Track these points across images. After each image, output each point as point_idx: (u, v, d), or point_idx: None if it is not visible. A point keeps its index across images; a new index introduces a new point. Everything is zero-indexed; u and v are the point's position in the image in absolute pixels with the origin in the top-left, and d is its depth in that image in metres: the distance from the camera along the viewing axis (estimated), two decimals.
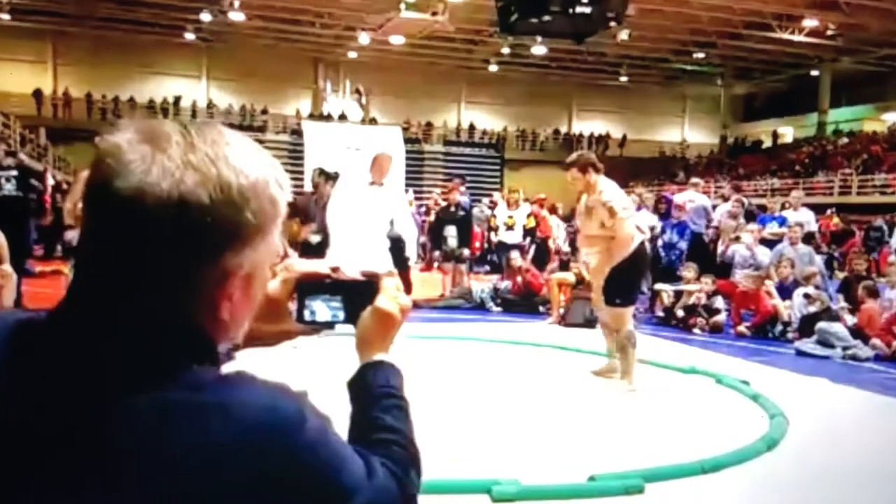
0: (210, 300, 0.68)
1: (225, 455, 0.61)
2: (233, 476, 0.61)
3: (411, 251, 6.13)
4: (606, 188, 4.78)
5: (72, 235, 6.65)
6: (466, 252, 9.82)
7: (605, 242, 4.75)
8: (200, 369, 0.66)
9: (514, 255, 9.14)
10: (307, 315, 0.90)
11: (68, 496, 0.61)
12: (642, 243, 4.92)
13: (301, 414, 0.66)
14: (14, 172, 7.44)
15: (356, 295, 0.91)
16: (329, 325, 0.91)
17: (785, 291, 7.87)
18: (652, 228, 9.10)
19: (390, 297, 0.91)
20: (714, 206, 10.52)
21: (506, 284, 8.97)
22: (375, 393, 0.85)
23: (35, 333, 0.67)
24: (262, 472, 0.62)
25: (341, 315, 0.91)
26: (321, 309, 0.90)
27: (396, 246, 5.68)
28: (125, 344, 0.64)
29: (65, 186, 14.00)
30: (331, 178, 7.16)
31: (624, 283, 4.77)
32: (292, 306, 0.92)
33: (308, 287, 0.91)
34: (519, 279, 8.81)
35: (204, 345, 0.69)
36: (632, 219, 4.92)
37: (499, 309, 8.76)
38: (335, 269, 0.93)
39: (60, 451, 0.61)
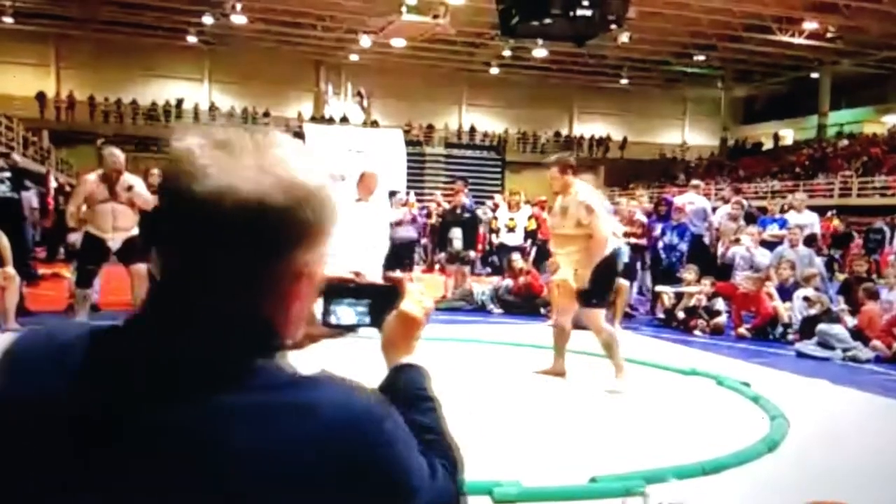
0: (282, 299, 0.71)
1: (308, 453, 0.63)
2: (316, 472, 0.64)
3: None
4: (582, 189, 4.85)
5: (75, 238, 6.64)
6: (472, 254, 9.86)
7: (580, 242, 4.79)
8: (277, 368, 0.68)
9: (516, 256, 9.16)
10: (332, 319, 0.92)
11: (156, 495, 0.63)
12: (617, 248, 5.06)
13: (378, 411, 0.68)
14: (7, 174, 7.33)
15: (381, 299, 0.93)
16: (353, 329, 0.93)
17: (785, 293, 7.88)
18: (644, 232, 9.14)
19: (415, 300, 0.94)
20: (714, 209, 10.53)
21: (507, 283, 8.98)
22: (410, 395, 0.86)
23: (116, 339, 0.70)
24: (344, 469, 0.64)
25: (366, 319, 0.93)
26: (346, 313, 0.92)
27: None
28: (207, 344, 0.67)
29: (67, 189, 14.00)
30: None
31: (602, 284, 4.81)
32: (317, 310, 0.93)
33: (333, 291, 0.92)
34: (521, 280, 8.83)
35: (277, 343, 0.71)
36: (607, 221, 4.96)
37: (499, 311, 8.77)
38: (357, 275, 0.95)
39: (146, 452, 0.63)
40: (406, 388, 0.88)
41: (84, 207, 6.65)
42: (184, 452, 0.63)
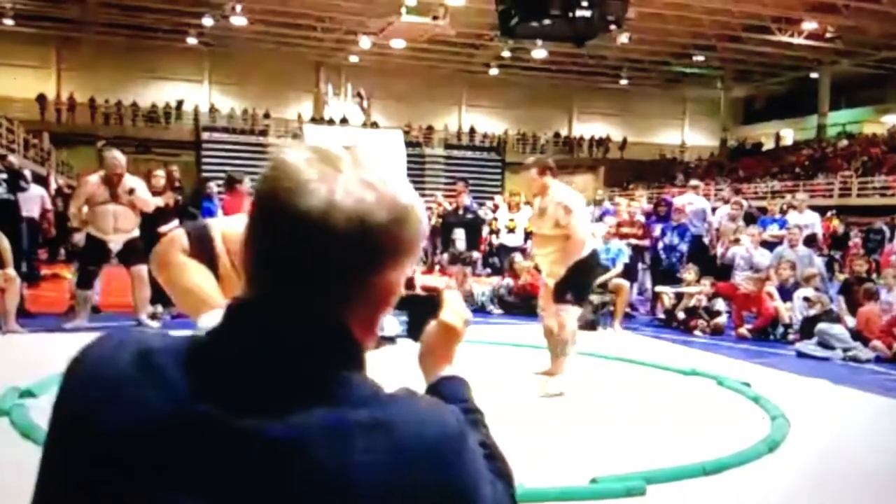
0: (369, 313, 0.73)
1: (404, 468, 0.64)
2: (394, 489, 0.64)
3: None
4: (560, 190, 4.87)
5: (78, 238, 6.63)
6: (475, 255, 9.87)
7: (559, 242, 4.79)
8: (364, 382, 0.69)
9: (519, 257, 9.16)
10: (377, 330, 0.92)
11: None
12: (595, 249, 5.06)
13: (461, 430, 0.69)
14: (4, 176, 7.29)
15: (420, 309, 0.92)
16: (391, 340, 0.94)
17: (785, 293, 7.88)
18: (644, 233, 9.15)
19: (454, 310, 0.93)
20: (714, 209, 10.53)
21: (507, 282, 8.99)
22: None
23: (209, 352, 0.70)
24: (420, 487, 0.65)
25: (405, 329, 0.93)
26: (391, 323, 0.92)
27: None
28: (301, 358, 0.67)
29: (66, 190, 13.99)
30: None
31: (578, 281, 4.81)
32: None
33: None
34: (521, 280, 8.83)
35: (362, 356, 0.72)
36: (586, 222, 4.95)
37: (499, 311, 8.78)
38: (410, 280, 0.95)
39: (230, 462, 0.64)
40: (450, 401, 0.85)
41: (85, 209, 6.66)
42: (278, 465, 0.63)
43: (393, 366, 1.22)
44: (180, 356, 0.69)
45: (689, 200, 9.97)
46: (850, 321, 7.21)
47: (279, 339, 0.67)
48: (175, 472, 0.65)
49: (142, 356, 0.70)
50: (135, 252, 6.74)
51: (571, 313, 4.80)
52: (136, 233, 6.77)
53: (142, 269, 6.81)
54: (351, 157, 0.70)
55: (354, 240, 0.66)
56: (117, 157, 6.74)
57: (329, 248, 0.66)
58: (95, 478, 0.66)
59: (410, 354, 0.93)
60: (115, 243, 6.62)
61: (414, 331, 0.93)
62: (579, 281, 4.84)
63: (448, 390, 0.90)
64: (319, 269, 0.67)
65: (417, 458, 0.65)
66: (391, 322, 0.92)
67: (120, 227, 6.64)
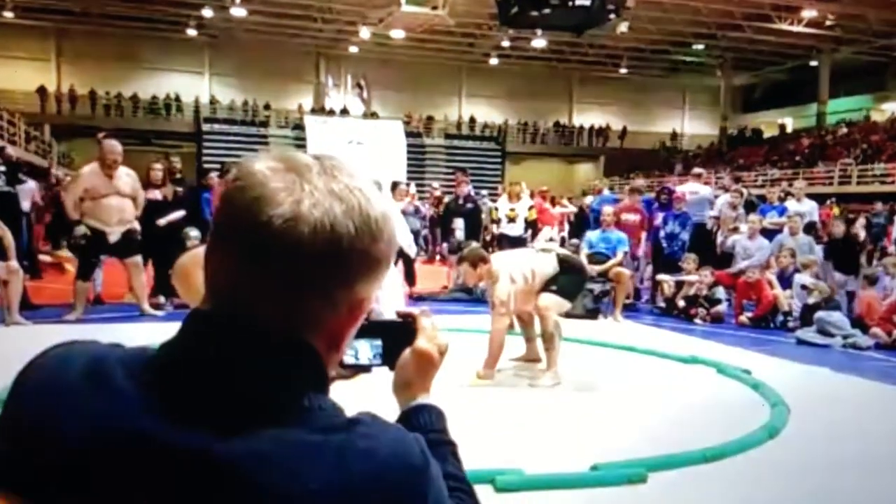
0: (339, 329, 0.70)
1: (358, 497, 0.61)
2: None
3: (408, 248, 6.15)
4: (495, 264, 4.85)
5: (80, 230, 6.61)
6: (474, 244, 9.85)
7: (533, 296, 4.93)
8: (326, 405, 0.66)
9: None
10: (349, 357, 0.86)
11: None
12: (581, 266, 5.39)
13: (425, 457, 0.66)
14: (2, 168, 7.21)
15: (394, 336, 0.88)
16: (366, 369, 0.88)
17: (785, 281, 7.90)
18: (651, 221, 9.14)
19: (429, 337, 0.89)
20: (716, 197, 10.53)
21: None
22: (428, 439, 0.78)
23: (164, 363, 0.66)
24: None
25: (379, 357, 0.88)
26: (364, 349, 0.87)
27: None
28: (255, 375, 0.64)
29: (66, 182, 13.92)
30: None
31: (568, 285, 4.92)
32: None
33: None
34: None
35: (325, 376, 0.69)
36: (509, 283, 4.84)
37: None
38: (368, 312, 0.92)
39: (168, 481, 0.61)
40: (423, 432, 0.81)
41: (86, 201, 6.63)
42: (221, 487, 0.60)
43: (367, 394, 1.19)
44: (132, 368, 0.66)
45: (692, 189, 9.97)
46: (840, 278, 7.34)
47: (235, 355, 0.64)
48: (112, 488, 0.62)
49: (92, 367, 0.67)
50: (131, 243, 6.74)
51: (559, 302, 4.86)
52: (135, 224, 6.78)
53: (137, 260, 6.83)
54: (320, 166, 0.67)
55: (321, 252, 0.64)
56: (113, 143, 6.69)
57: (294, 260, 0.63)
58: (37, 490, 0.64)
59: (385, 383, 0.89)
60: (115, 234, 6.63)
61: (388, 358, 0.88)
62: (570, 284, 4.95)
63: (421, 419, 0.85)
64: (283, 282, 0.64)
65: (372, 489, 0.61)
66: (363, 348, 0.87)
67: (122, 219, 6.65)
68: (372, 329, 0.85)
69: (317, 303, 0.66)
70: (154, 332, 5.57)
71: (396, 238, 0.71)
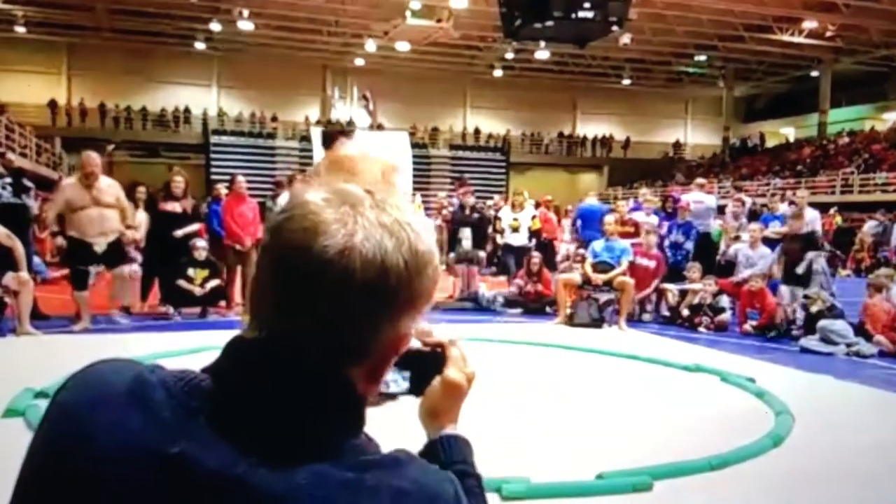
0: (379, 363, 0.70)
1: None
2: None
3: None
4: None
5: (60, 241, 6.64)
6: (481, 254, 9.92)
7: None
8: (362, 441, 0.67)
9: (536, 257, 9.19)
10: (383, 387, 0.88)
11: None
12: None
13: (458, 499, 0.66)
14: (9, 179, 7.19)
15: (424, 366, 0.88)
16: (393, 397, 0.91)
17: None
18: (637, 231, 9.18)
19: (458, 367, 0.89)
20: (720, 207, 10.56)
21: (517, 283, 9.05)
22: (455, 470, 0.78)
23: (203, 388, 0.66)
24: None
25: (406, 385, 0.90)
26: (397, 381, 0.89)
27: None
28: (294, 408, 0.64)
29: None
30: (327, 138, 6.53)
31: None
32: None
33: None
34: (532, 286, 8.87)
35: (363, 412, 0.69)
36: None
37: (506, 309, 8.83)
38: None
39: None
40: (448, 462, 0.82)
41: (68, 213, 6.54)
42: None
43: (394, 421, 1.18)
44: (173, 391, 0.65)
45: (696, 198, 10.00)
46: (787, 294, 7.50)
47: (277, 388, 0.64)
48: None
49: (133, 386, 0.66)
50: (118, 254, 6.70)
51: None
52: (117, 234, 6.66)
53: (123, 270, 6.84)
54: (371, 199, 0.67)
55: (371, 285, 0.63)
56: (91, 155, 6.68)
57: (344, 291, 0.63)
58: (71, 499, 0.63)
59: (412, 410, 0.90)
60: (100, 245, 6.55)
61: (417, 387, 0.89)
62: None
63: (448, 450, 0.85)
64: (331, 314, 0.64)
65: None
66: (397, 380, 0.88)
67: (104, 230, 6.55)
68: (401, 360, 0.83)
69: (361, 335, 0.66)
70: (139, 342, 5.57)
71: (438, 274, 0.71)
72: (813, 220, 9.89)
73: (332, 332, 0.65)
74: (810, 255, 7.80)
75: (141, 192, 8.41)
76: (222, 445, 0.62)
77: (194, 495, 0.60)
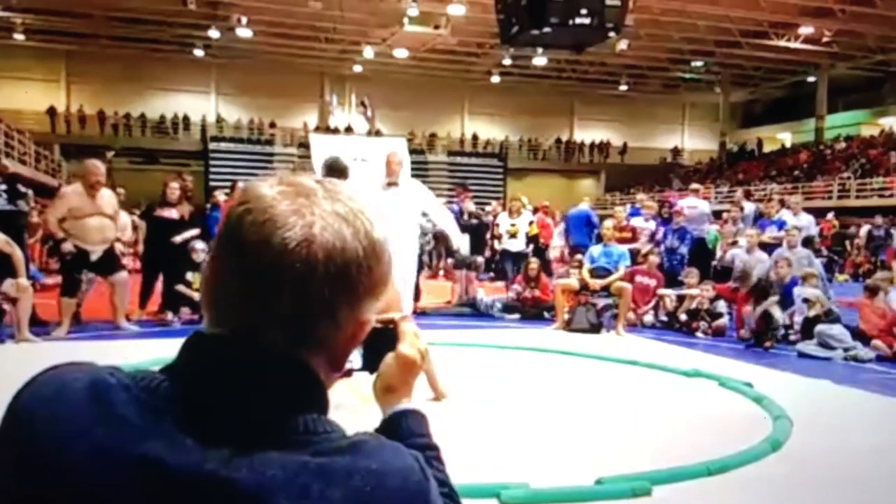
0: (341, 350, 0.71)
1: None
2: None
3: (459, 240, 6.06)
4: None
5: (67, 247, 6.64)
6: (479, 259, 9.93)
7: None
8: (329, 426, 0.67)
9: (534, 262, 9.21)
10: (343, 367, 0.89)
11: None
12: None
13: (426, 475, 0.67)
14: (3, 186, 7.16)
15: (377, 342, 0.88)
16: (347, 373, 0.87)
17: (787, 293, 7.88)
18: (634, 236, 9.21)
19: (411, 342, 0.90)
20: (718, 213, 10.59)
21: (515, 287, 9.06)
22: (413, 444, 0.79)
23: (165, 386, 0.66)
24: None
25: (359, 362, 0.91)
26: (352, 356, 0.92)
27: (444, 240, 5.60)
28: (258, 399, 0.64)
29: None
30: (336, 171, 5.55)
31: None
32: None
33: None
34: (530, 292, 8.88)
35: (326, 398, 0.70)
36: None
37: (504, 315, 8.84)
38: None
39: None
40: (407, 436, 0.83)
41: (68, 220, 6.55)
42: None
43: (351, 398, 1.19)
44: (135, 393, 0.65)
45: (691, 203, 10.04)
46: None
47: (239, 380, 0.64)
48: None
49: (94, 392, 0.65)
50: (113, 261, 6.75)
51: None
52: (130, 238, 6.78)
53: (123, 276, 6.86)
54: (323, 189, 0.68)
55: (332, 274, 0.64)
56: (97, 164, 6.72)
57: (305, 281, 0.64)
58: None
59: (366, 386, 0.90)
60: (96, 253, 6.62)
61: (370, 363, 0.90)
62: None
63: (406, 425, 0.85)
64: (294, 304, 0.64)
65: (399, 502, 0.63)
66: (351, 357, 0.91)
67: (104, 239, 6.64)
68: None
69: (323, 324, 0.67)
70: (139, 348, 5.59)
71: (392, 258, 0.73)
72: (808, 224, 9.94)
73: (295, 322, 0.66)
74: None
75: (120, 192, 8.46)
76: (190, 443, 0.62)
77: (168, 495, 0.60)
